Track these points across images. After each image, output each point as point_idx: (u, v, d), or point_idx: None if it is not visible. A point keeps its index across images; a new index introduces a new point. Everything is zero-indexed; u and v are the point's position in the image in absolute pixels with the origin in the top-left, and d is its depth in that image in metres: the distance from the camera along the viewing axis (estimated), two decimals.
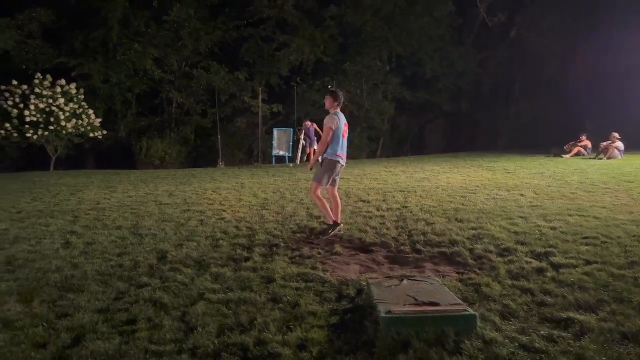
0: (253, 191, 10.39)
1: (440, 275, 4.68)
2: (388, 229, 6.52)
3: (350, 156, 21.19)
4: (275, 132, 18.86)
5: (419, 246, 5.68)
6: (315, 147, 16.98)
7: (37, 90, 16.85)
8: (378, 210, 7.75)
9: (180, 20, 20.36)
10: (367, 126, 23.26)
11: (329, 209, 6.38)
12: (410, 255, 5.41)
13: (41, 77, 17.12)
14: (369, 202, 8.41)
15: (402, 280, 4.32)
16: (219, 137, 19.91)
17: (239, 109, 22.85)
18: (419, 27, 22.15)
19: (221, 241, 6.03)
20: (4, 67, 17.72)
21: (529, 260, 4.96)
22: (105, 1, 19.42)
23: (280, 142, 18.73)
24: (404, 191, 9.51)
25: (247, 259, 5.27)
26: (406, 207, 7.90)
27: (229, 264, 5.12)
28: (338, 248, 5.67)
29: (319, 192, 6.30)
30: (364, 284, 4.39)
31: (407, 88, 22.51)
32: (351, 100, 22.70)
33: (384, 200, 8.57)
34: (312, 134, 17.05)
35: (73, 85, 17.65)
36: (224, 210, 8.06)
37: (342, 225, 6.39)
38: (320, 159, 6.48)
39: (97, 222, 7.40)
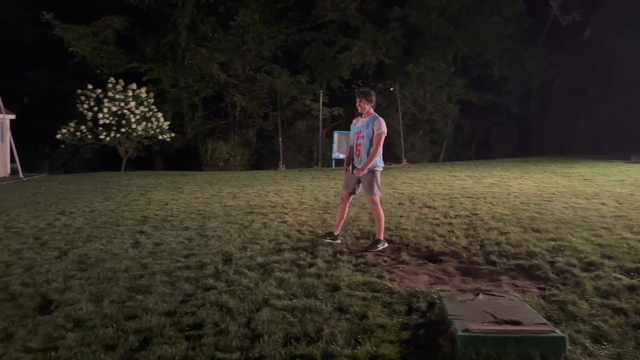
0: (314, 194, 10.31)
1: (519, 290, 4.34)
2: (457, 237, 6.20)
3: (411, 159, 20.76)
4: (336, 134, 18.78)
5: (492, 257, 5.33)
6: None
7: (110, 94, 17.71)
8: (445, 217, 7.42)
9: (244, 24, 20.74)
10: (430, 129, 22.68)
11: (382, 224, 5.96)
12: (484, 267, 5.08)
13: (114, 82, 17.99)
14: (434, 208, 8.09)
15: (477, 294, 4.03)
16: (280, 139, 20.08)
17: (300, 112, 22.97)
18: (486, 26, 21.31)
19: (284, 245, 5.96)
20: (80, 72, 18.76)
21: (617, 276, 4.52)
22: (175, 7, 20.10)
23: (340, 145, 18.62)
24: (471, 197, 9.09)
25: (310, 265, 5.15)
26: (475, 214, 7.52)
27: (293, 268, 5.02)
28: (405, 256, 5.43)
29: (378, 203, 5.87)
30: (435, 296, 4.14)
31: (473, 90, 21.73)
32: (414, 103, 22.22)
33: (450, 207, 8.21)
34: None
35: (143, 89, 18.41)
36: (286, 213, 8.02)
37: (339, 241, 5.97)
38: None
39: (165, 222, 7.56)
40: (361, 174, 5.70)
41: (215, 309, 3.93)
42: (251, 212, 8.24)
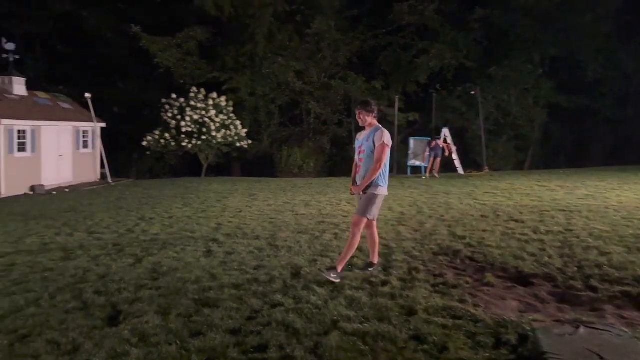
0: (388, 203, 9.90)
1: (627, 323, 3.72)
2: (550, 256, 5.56)
3: (493, 167, 19.70)
4: (412, 141, 18.21)
5: (593, 282, 4.69)
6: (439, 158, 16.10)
7: (192, 102, 18.36)
8: (535, 232, 6.75)
9: (320, 32, 20.76)
10: (515, 134, 21.41)
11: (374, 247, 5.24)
12: (583, 293, 4.46)
13: (196, 91, 18.63)
14: (522, 223, 7.41)
15: (577, 327, 3.50)
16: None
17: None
18: (578, 25, 19.77)
19: (355, 259, 5.62)
20: (165, 82, 19.63)
21: None
22: (253, 17, 20.54)
23: (416, 151, 18.03)
24: (565, 210, 8.27)
25: (384, 283, 4.78)
26: (570, 230, 6.78)
27: (364, 286, 4.69)
28: (490, 277, 4.92)
29: (361, 226, 4.92)
30: (528, 328, 3.64)
31: (562, 92, 20.24)
32: (497, 107, 21.08)
33: (540, 221, 7.50)
34: (437, 146, 16.09)
35: (223, 98, 18.93)
36: None
37: (337, 278, 4.80)
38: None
39: (238, 230, 7.52)
40: (358, 191, 4.89)
41: (281, 329, 3.70)
42: (323, 222, 8.01)
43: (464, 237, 6.56)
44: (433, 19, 20.72)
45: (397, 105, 19.49)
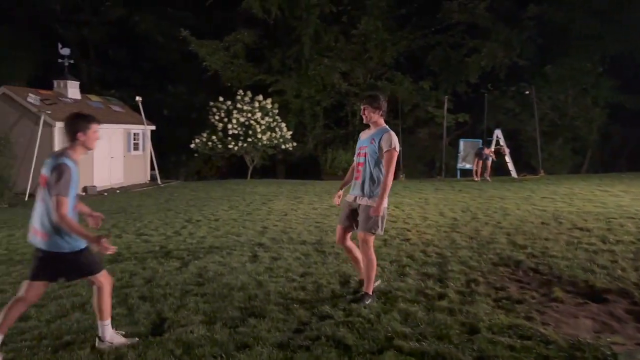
0: (439, 208, 9.50)
1: None
2: (623, 269, 5.06)
3: (548, 170, 18.75)
4: (462, 143, 17.61)
5: None
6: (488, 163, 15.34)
7: (238, 105, 18.46)
8: (604, 242, 6.21)
9: (367, 32, 20.45)
10: (572, 136, 20.34)
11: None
12: None
13: (242, 94, 18.73)
14: (588, 231, 6.86)
15: None
16: (401, 148, 19.34)
17: (422, 120, 22.09)
18: None
19: (407, 268, 5.32)
20: (213, 85, 19.85)
21: None
22: (300, 19, 20.47)
23: (466, 154, 17.42)
24: (633, 218, 7.63)
25: (440, 296, 4.45)
26: None
27: (419, 299, 4.38)
28: (558, 292, 4.49)
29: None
30: (608, 352, 3.24)
31: (624, 92, 19.04)
32: (552, 107, 20.10)
33: (608, 229, 6.92)
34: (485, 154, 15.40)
35: (269, 100, 18.94)
36: (408, 230, 7.36)
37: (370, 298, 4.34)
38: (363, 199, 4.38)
39: (284, 234, 7.34)
40: (377, 213, 4.23)
41: (331, 344, 3.45)
42: None
43: (525, 246, 6.11)
44: (484, 16, 19.99)
45: (445, 105, 18.91)
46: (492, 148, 15.89)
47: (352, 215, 4.46)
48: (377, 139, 4.28)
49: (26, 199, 13.90)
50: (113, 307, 4.31)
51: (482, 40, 20.17)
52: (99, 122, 3.47)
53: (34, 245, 3.33)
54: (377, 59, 21.14)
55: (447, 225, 7.70)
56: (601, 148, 21.32)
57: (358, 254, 4.54)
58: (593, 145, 20.85)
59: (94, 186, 15.27)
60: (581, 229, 7.07)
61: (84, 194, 14.97)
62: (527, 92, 18.42)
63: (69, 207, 3.19)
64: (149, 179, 18.36)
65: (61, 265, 3.31)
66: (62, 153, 3.28)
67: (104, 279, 3.48)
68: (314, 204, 10.65)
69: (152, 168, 18.32)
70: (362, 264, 4.47)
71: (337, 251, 6.16)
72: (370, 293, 4.31)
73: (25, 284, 3.37)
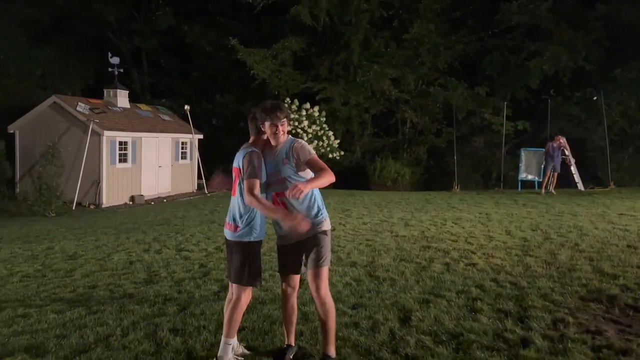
0: (503, 225, 8.59)
1: None
2: None
3: (618, 182, 17.22)
4: (523, 152, 16.42)
5: None
6: (557, 171, 14.04)
7: None
8: None
9: (419, 36, 19.63)
10: None
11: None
12: None
13: (289, 102, 18.31)
14: None
15: None
16: (455, 157, 18.33)
17: (477, 127, 20.93)
18: None
19: (479, 302, 4.54)
20: (260, 93, 19.56)
21: None
22: (349, 24, 19.91)
23: (528, 164, 16.23)
24: None
25: (524, 341, 3.67)
26: None
27: (498, 345, 3.62)
28: None
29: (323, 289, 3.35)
30: None
31: None
32: (622, 114, 18.51)
33: None
34: (556, 152, 14.09)
35: (316, 108, 18.42)
36: (473, 252, 6.54)
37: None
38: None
39: (332, 253, 6.67)
40: (305, 228, 3.19)
41: None
42: (428, 247, 6.94)
43: (615, 276, 5.19)
44: (546, 18, 18.71)
45: (504, 112, 17.75)
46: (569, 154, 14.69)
47: (300, 256, 3.38)
48: (290, 153, 3.30)
49: (73, 207, 13.95)
50: (140, 341, 3.82)
51: (544, 43, 18.87)
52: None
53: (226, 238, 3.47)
54: (430, 64, 20.23)
55: (517, 246, 6.82)
56: None
57: (295, 314, 3.57)
58: None
59: (142, 195, 15.20)
60: None
61: (131, 203, 14.92)
62: (595, 98, 17.01)
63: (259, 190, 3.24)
64: (196, 188, 18.22)
65: (242, 255, 3.33)
66: (250, 144, 3.39)
67: (246, 297, 3.40)
68: (363, 217, 9.97)
69: (200, 177, 18.17)
70: (293, 326, 3.59)
71: (392, 277, 5.46)
72: (333, 355, 3.36)
73: (231, 286, 3.48)
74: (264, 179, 3.28)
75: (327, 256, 3.34)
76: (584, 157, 18.06)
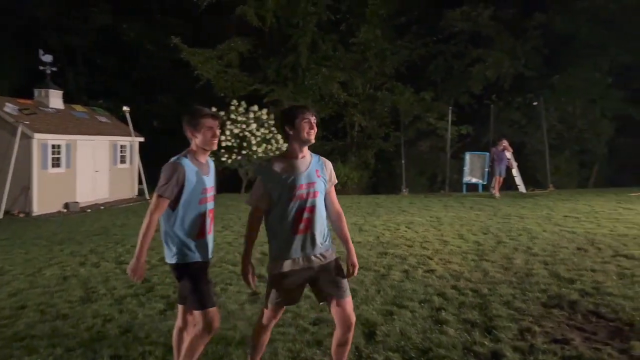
0: (455, 229, 8.60)
1: None
2: None
3: (556, 184, 17.90)
4: (468, 156, 16.79)
5: None
6: (503, 176, 14.23)
7: (232, 116, 17.52)
8: None
9: (366, 41, 19.71)
10: (579, 149, 19.59)
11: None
12: None
13: (236, 104, 17.82)
14: (637, 260, 5.98)
15: None
16: (403, 161, 18.53)
17: (423, 132, 21.30)
18: None
19: (443, 312, 4.38)
20: (205, 95, 18.95)
21: None
22: (296, 27, 19.71)
23: (473, 167, 16.60)
24: None
25: (493, 355, 3.52)
26: None
27: (469, 359, 3.44)
28: (639, 348, 3.57)
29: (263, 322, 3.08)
30: None
31: (634, 104, 18.37)
32: (560, 119, 19.38)
33: None
34: (502, 156, 14.16)
35: (264, 111, 18.03)
36: (430, 258, 6.44)
37: None
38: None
39: None
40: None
41: None
42: (385, 254, 6.78)
43: (572, 280, 5.20)
44: (488, 25, 19.32)
45: (449, 117, 18.11)
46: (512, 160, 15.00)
47: (313, 284, 3.02)
48: (322, 168, 3.00)
49: (1, 216, 12.83)
50: None
51: (486, 49, 19.48)
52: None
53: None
54: (377, 69, 20.36)
55: (471, 251, 6.78)
56: (608, 161, 20.60)
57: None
58: (601, 158, 20.13)
59: (77, 202, 14.22)
60: (626, 256, 6.19)
61: (65, 211, 13.92)
62: (535, 103, 17.69)
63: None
64: (137, 194, 17.32)
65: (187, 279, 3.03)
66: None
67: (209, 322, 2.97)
68: None
69: (140, 182, 17.30)
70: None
71: (352, 286, 5.19)
72: None
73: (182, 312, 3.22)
74: (290, 191, 2.82)
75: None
76: (524, 160, 18.74)
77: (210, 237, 3.04)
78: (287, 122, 2.92)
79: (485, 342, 3.72)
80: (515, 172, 16.13)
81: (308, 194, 2.87)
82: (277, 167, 2.87)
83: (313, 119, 2.92)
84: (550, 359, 3.43)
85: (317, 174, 2.93)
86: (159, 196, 2.81)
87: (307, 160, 2.95)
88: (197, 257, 2.92)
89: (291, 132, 2.91)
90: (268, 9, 19.45)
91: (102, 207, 14.57)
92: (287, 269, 2.90)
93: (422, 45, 20.28)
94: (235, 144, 17.55)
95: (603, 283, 5.09)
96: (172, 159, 2.90)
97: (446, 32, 19.96)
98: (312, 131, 2.92)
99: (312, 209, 2.87)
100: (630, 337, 3.77)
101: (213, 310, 2.93)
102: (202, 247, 2.95)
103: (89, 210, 13.90)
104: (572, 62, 18.77)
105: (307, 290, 5.08)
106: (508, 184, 16.24)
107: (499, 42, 19.40)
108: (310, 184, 2.88)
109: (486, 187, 15.81)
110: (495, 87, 19.86)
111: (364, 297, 4.86)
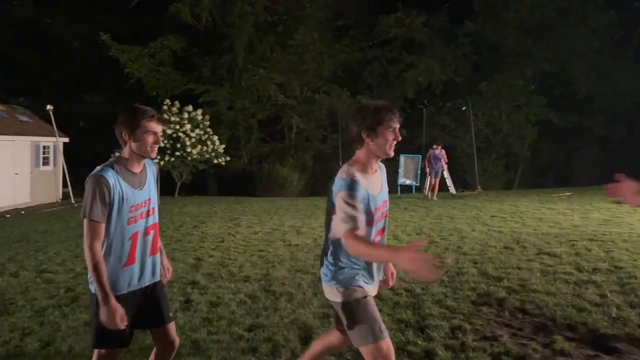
0: (390, 230, 8.74)
1: None
2: (619, 307, 4.46)
3: (483, 186, 18.72)
4: (402, 158, 17.21)
5: None
6: (438, 178, 14.68)
7: (165, 116, 16.93)
8: (579, 270, 5.67)
9: (304, 43, 19.75)
10: (505, 153, 20.67)
11: None
12: None
13: (169, 104, 17.27)
14: (558, 257, 6.34)
15: None
16: (340, 163, 18.73)
17: None
18: (570, 40, 19.31)
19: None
20: (136, 94, 18.23)
21: None
22: (233, 26, 19.42)
23: (407, 169, 17.04)
24: (595, 240, 7.25)
25: (426, 353, 3.60)
26: (619, 267, 5.74)
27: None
28: (560, 342, 3.77)
29: None
30: None
31: (554, 109, 19.64)
32: (487, 124, 20.34)
33: (576, 254, 6.45)
34: (437, 162, 14.59)
35: (199, 112, 17.60)
36: None
37: None
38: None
39: (222, 267, 6.24)
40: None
41: None
42: None
43: (499, 278, 5.43)
44: (421, 32, 19.97)
45: None
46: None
47: None
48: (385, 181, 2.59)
49: None
50: None
51: (419, 56, 20.11)
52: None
53: None
54: (315, 72, 20.46)
55: None
56: (532, 164, 21.89)
57: None
58: (525, 161, 21.35)
59: None
60: (549, 254, 6.55)
61: None
62: (464, 109, 18.47)
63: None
64: (61, 198, 16.33)
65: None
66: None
67: None
68: (254, 226, 9.59)
69: (65, 185, 16.33)
70: None
71: (289, 290, 5.17)
72: None
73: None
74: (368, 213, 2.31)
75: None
76: (454, 162, 19.50)
77: (148, 261, 2.57)
78: (368, 126, 2.35)
79: (419, 342, 3.79)
80: (446, 174, 16.72)
81: (384, 214, 2.47)
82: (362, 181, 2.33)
83: (397, 126, 2.40)
84: (480, 356, 3.54)
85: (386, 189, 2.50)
86: (91, 221, 2.32)
87: (379, 175, 2.47)
88: (120, 288, 2.45)
89: (370, 142, 2.36)
90: (204, 8, 19.03)
91: (22, 212, 13.61)
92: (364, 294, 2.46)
93: (359, 49, 20.61)
94: (168, 145, 17.00)
95: (528, 280, 5.35)
96: (95, 170, 2.41)
97: (381, 38, 20.40)
98: (394, 143, 2.41)
99: (383, 230, 2.48)
100: (553, 332, 3.97)
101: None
102: (130, 276, 2.48)
103: (8, 216, 12.94)
104: (498, 69, 19.79)
105: (243, 296, 4.99)
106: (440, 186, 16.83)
107: (431, 48, 20.11)
108: (385, 202, 2.46)
109: (419, 189, 16.27)
110: (428, 92, 20.55)
111: (301, 301, 4.82)
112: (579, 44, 19.24)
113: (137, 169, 2.53)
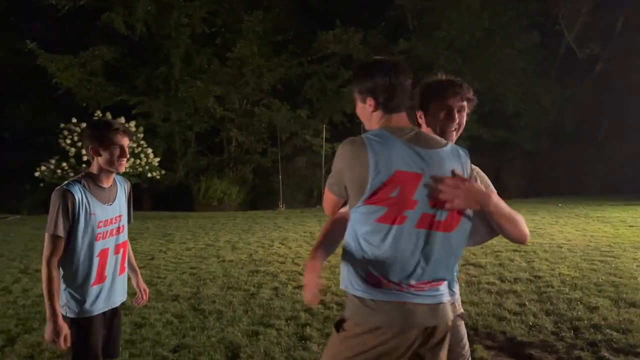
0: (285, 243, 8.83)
1: None
2: (535, 315, 4.71)
3: None
4: None
5: (603, 352, 3.84)
6: None
7: None
8: (502, 281, 5.95)
9: (243, 56, 19.65)
10: None
11: None
12: None
13: (101, 115, 16.60)
14: (482, 268, 6.62)
15: None
16: (280, 177, 18.71)
17: (300, 148, 21.69)
18: (497, 59, 20.42)
19: (308, 328, 4.43)
20: (65, 105, 17.44)
21: None
22: (168, 37, 19.03)
23: None
24: (518, 251, 7.62)
25: None
26: (538, 276, 6.08)
27: None
28: (480, 350, 3.93)
29: None
30: None
31: (484, 125, 20.60)
32: None
33: (500, 265, 6.76)
34: None
35: (132, 123, 17.01)
36: (300, 274, 6.51)
37: None
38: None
39: (150, 286, 5.99)
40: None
41: None
42: (256, 271, 6.73)
43: None
44: (358, 49, 20.40)
45: (323, 134, 18.71)
46: None
47: None
48: (468, 169, 1.91)
49: None
50: None
51: None
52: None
53: None
54: (254, 85, 20.35)
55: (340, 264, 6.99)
56: None
57: None
58: None
59: None
60: (474, 265, 6.83)
61: None
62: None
63: None
64: None
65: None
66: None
67: None
68: (187, 242, 9.36)
69: None
70: None
71: (219, 308, 5.06)
72: None
73: None
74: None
75: None
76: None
77: (119, 279, 2.53)
78: (422, 100, 2.01)
79: None
80: None
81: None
82: None
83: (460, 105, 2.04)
84: None
85: None
86: (52, 236, 2.28)
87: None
88: (90, 310, 2.39)
89: (421, 119, 2.06)
90: (138, 18, 18.52)
91: None
92: None
93: (298, 64, 20.74)
94: None
95: None
96: (62, 184, 2.37)
97: (320, 54, 20.65)
98: (454, 122, 2.05)
99: None
100: (474, 341, 4.11)
101: None
102: (98, 295, 2.42)
103: None
104: None
105: (170, 315, 4.82)
106: None
107: None
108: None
109: None
110: None
111: (231, 319, 4.74)
112: (506, 63, 20.35)
113: (106, 183, 2.50)
